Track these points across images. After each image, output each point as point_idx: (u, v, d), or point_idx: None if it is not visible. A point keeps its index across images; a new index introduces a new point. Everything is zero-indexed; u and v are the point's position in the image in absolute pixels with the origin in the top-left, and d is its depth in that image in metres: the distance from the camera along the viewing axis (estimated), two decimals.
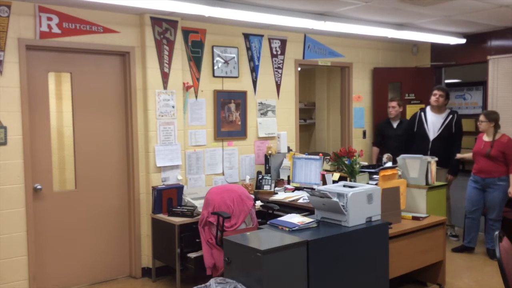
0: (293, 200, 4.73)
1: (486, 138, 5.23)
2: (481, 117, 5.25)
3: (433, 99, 5.83)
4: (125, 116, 4.85)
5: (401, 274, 4.10)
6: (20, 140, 4.20)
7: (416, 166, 4.72)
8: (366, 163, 5.65)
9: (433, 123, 5.84)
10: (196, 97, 5.18)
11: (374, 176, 4.89)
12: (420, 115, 5.98)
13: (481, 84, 10.28)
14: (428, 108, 5.97)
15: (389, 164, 5.21)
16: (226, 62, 5.36)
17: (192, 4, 4.24)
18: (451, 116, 5.81)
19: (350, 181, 4.58)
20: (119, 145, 4.86)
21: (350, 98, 6.62)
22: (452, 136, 5.80)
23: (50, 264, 4.48)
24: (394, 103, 6.26)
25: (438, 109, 5.84)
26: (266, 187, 5.27)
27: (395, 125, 6.30)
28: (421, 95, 6.93)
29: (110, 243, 4.85)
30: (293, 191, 5.12)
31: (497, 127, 5.18)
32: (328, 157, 5.39)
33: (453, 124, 5.78)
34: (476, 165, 5.32)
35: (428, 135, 5.84)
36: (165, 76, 4.86)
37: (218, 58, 5.30)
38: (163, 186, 4.81)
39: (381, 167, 4.63)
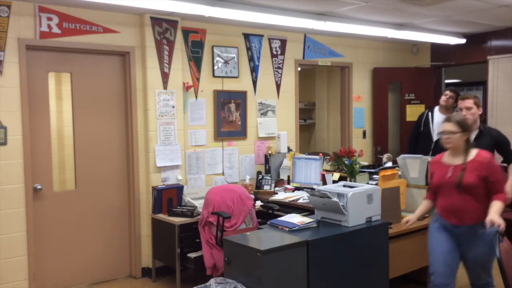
0: (293, 200, 4.73)
1: (450, 159, 3.35)
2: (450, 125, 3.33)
3: (443, 98, 5.77)
4: (125, 116, 4.85)
5: (401, 274, 4.10)
6: (20, 140, 4.20)
7: (416, 166, 4.72)
8: (366, 163, 5.65)
9: (439, 124, 5.78)
10: (196, 97, 5.18)
11: (374, 176, 4.89)
12: (427, 115, 5.96)
13: (481, 84, 10.29)
14: (436, 108, 5.93)
15: (389, 164, 5.21)
16: (226, 62, 5.36)
17: (192, 4, 4.24)
18: None
19: (350, 181, 4.59)
20: (119, 145, 4.86)
21: (350, 98, 6.62)
22: None
23: (50, 264, 4.48)
24: (470, 102, 4.10)
25: (446, 110, 5.79)
26: (266, 187, 5.27)
27: (471, 136, 3.66)
28: (421, 95, 6.93)
29: (110, 243, 4.85)
30: (293, 191, 5.12)
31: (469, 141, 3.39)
32: (328, 157, 5.39)
33: None
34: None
35: (432, 135, 5.81)
36: (165, 76, 4.86)
37: (218, 58, 5.30)
38: (163, 186, 4.81)
39: (381, 167, 4.64)
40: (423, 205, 3.58)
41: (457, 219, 3.22)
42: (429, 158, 4.74)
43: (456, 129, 3.21)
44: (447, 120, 3.29)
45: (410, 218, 3.53)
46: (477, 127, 4.11)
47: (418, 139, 5.90)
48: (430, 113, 5.93)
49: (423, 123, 5.94)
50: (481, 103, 4.20)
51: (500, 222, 2.88)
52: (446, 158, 3.35)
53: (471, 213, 3.17)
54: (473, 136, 3.93)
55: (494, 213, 3.03)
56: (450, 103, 5.73)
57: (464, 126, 3.23)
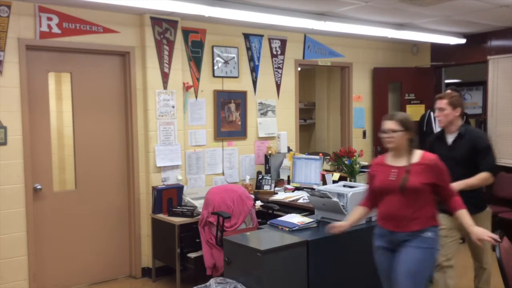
0: (293, 200, 4.73)
1: (393, 161, 3.07)
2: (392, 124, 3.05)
3: None
4: (125, 116, 4.85)
5: None
6: (20, 140, 4.20)
7: None
8: (366, 163, 5.65)
9: None
10: (196, 97, 5.18)
11: None
12: (429, 115, 5.99)
13: (481, 84, 10.30)
14: None
15: None
16: (226, 62, 5.36)
17: (192, 4, 4.24)
18: None
19: (350, 181, 4.59)
20: (119, 145, 4.86)
21: (350, 98, 6.62)
22: None
23: (50, 264, 4.48)
24: (443, 102, 3.65)
25: None
26: (266, 187, 5.27)
27: (450, 139, 3.68)
28: (421, 95, 6.93)
29: (110, 243, 4.85)
30: (293, 191, 5.12)
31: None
32: (328, 157, 5.39)
33: None
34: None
35: None
36: (165, 76, 4.86)
37: (218, 58, 5.30)
38: (163, 186, 4.81)
39: None
40: (356, 211, 3.22)
41: (396, 225, 2.92)
42: None
43: (397, 128, 2.94)
44: (389, 118, 3.02)
45: (340, 225, 3.16)
46: (456, 129, 3.63)
47: (421, 139, 5.92)
48: (432, 113, 5.97)
49: (426, 123, 5.98)
50: (459, 103, 3.68)
51: (491, 236, 2.67)
52: (389, 159, 3.06)
53: (413, 219, 2.88)
54: (451, 139, 3.65)
55: (474, 226, 2.82)
56: None
57: (406, 125, 2.95)
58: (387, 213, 2.97)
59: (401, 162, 2.96)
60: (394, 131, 2.95)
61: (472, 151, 3.54)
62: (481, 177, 3.50)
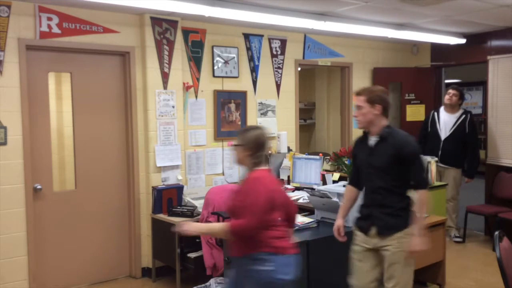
0: (293, 200, 4.72)
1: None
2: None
3: (446, 97, 5.87)
4: (125, 116, 4.85)
5: None
6: (20, 140, 4.20)
7: None
8: None
9: (445, 122, 5.87)
10: (196, 97, 5.18)
11: None
12: (433, 115, 6.02)
13: (481, 84, 10.30)
14: (441, 108, 6.01)
15: None
16: (226, 62, 5.36)
17: (192, 4, 4.24)
18: (464, 116, 5.83)
19: None
20: (119, 145, 4.86)
21: (350, 98, 6.62)
22: (465, 136, 5.77)
23: (50, 264, 4.48)
24: (361, 99, 3.05)
25: (451, 109, 5.87)
26: None
27: (372, 142, 3.06)
28: (421, 95, 6.93)
29: (110, 243, 4.85)
30: (293, 191, 5.11)
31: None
32: (328, 157, 5.39)
33: (466, 123, 5.78)
34: None
35: (440, 134, 5.87)
36: (165, 76, 4.86)
37: (218, 58, 5.30)
38: (163, 186, 4.81)
39: None
40: None
41: (230, 249, 2.75)
42: (428, 157, 4.75)
43: (237, 142, 2.79)
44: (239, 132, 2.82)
45: None
46: (378, 130, 3.00)
47: (426, 140, 5.98)
48: (436, 113, 6.01)
49: (430, 123, 6.01)
50: (380, 99, 2.99)
51: (188, 228, 2.56)
52: None
53: (236, 244, 2.65)
54: (373, 141, 3.03)
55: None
56: (454, 101, 5.84)
57: (245, 140, 2.76)
58: None
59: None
60: (235, 145, 2.80)
61: (395, 158, 2.90)
62: (423, 202, 2.90)
